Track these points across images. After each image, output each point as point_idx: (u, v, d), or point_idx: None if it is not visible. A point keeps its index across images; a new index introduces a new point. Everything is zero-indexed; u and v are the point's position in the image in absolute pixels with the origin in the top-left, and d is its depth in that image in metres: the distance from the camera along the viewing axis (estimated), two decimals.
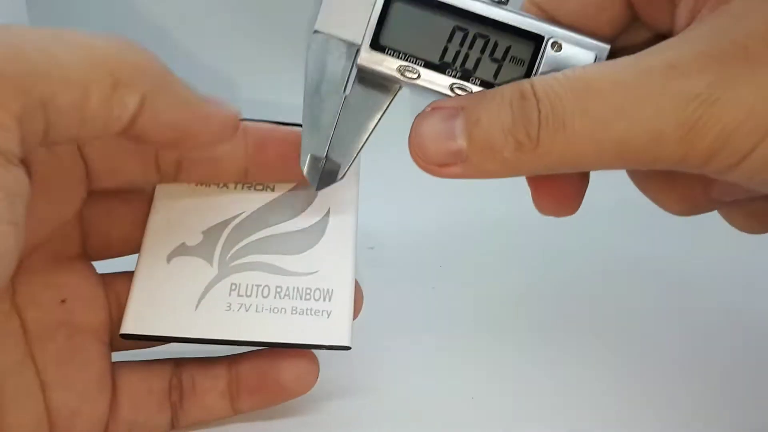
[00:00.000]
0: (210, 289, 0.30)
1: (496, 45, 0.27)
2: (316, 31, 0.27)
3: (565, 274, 0.46)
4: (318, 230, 0.32)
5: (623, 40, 0.29)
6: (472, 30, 0.27)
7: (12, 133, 0.20)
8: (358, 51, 0.27)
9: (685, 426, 0.34)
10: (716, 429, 0.34)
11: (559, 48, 0.27)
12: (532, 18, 0.27)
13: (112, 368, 0.30)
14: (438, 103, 0.27)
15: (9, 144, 0.20)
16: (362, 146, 0.28)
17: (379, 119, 0.28)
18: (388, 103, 0.28)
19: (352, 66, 0.27)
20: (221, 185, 0.32)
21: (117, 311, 0.31)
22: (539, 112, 0.24)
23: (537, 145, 0.24)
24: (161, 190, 0.32)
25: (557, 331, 0.41)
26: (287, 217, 0.32)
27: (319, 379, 0.31)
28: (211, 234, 0.31)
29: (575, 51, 0.27)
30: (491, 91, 0.26)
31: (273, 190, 0.32)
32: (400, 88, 0.28)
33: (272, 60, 0.56)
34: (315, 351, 0.31)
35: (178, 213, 0.31)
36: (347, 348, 0.30)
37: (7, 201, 0.20)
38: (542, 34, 0.27)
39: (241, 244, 0.31)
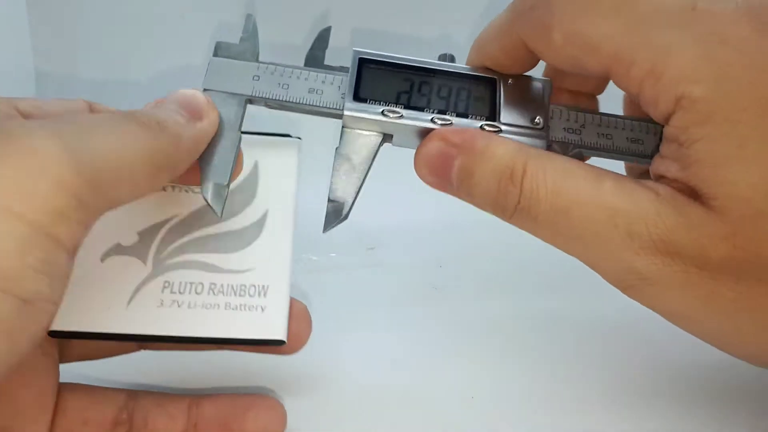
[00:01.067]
0: (142, 287, 0.30)
1: (459, 90, 0.31)
2: (206, 90, 0.31)
3: (565, 274, 0.44)
4: (255, 230, 0.32)
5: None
6: (435, 82, 0.31)
7: (75, 229, 0.23)
8: (248, 100, 0.31)
9: (687, 424, 0.34)
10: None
11: (511, 83, 0.31)
12: (479, 69, 0.32)
13: (59, 388, 0.29)
14: (445, 134, 0.29)
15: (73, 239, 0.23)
16: (360, 187, 0.31)
17: (370, 166, 0.31)
18: (375, 152, 0.31)
19: (243, 112, 0.31)
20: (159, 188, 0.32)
21: None
22: (518, 203, 0.27)
23: (509, 218, 0.28)
24: None
25: (558, 330, 0.41)
26: (224, 218, 0.32)
27: (316, 380, 0.32)
28: (147, 234, 0.31)
29: (525, 80, 0.32)
30: (492, 145, 0.29)
31: None
32: (383, 141, 0.31)
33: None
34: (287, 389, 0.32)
35: (114, 214, 0.30)
36: (282, 342, 0.30)
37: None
38: (493, 77, 0.32)
39: (177, 243, 0.31)
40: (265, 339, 0.30)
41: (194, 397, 0.31)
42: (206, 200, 0.29)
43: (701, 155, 0.25)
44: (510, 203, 0.28)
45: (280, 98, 0.31)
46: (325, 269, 0.42)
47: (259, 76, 0.32)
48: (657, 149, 0.28)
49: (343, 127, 0.31)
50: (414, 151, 0.31)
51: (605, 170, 0.28)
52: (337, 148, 0.31)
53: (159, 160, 0.25)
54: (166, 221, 0.32)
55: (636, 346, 0.40)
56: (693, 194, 0.26)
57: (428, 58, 0.32)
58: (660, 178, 0.27)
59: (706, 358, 0.37)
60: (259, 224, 0.32)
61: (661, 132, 0.28)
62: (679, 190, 0.26)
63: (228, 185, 0.30)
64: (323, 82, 0.32)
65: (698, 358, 0.38)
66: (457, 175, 0.29)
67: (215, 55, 0.32)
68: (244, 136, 0.31)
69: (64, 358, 0.31)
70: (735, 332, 0.27)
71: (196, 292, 0.30)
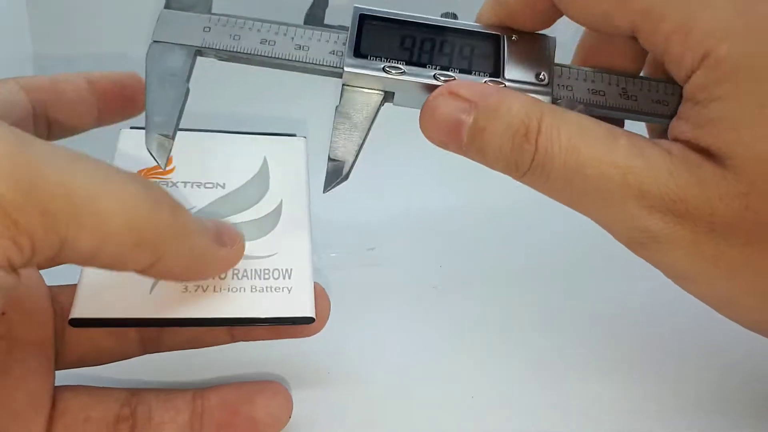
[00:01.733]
0: None
1: (462, 47, 0.31)
2: (155, 41, 0.30)
3: (566, 274, 0.45)
4: (272, 219, 0.33)
5: None
6: (438, 38, 0.31)
7: (23, 254, 0.21)
8: (198, 51, 0.30)
9: (689, 424, 0.34)
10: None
11: (516, 39, 0.31)
12: (483, 26, 0.31)
13: (54, 389, 0.29)
14: (455, 88, 0.28)
15: (16, 259, 0.21)
16: (361, 146, 0.30)
17: (371, 124, 0.30)
18: (376, 110, 0.30)
19: (192, 64, 0.30)
20: (170, 184, 0.33)
21: (61, 325, 0.30)
22: (533, 159, 0.27)
23: (521, 176, 0.28)
24: None
25: (558, 329, 0.41)
26: (240, 209, 0.33)
27: (316, 380, 0.32)
28: None
29: (529, 37, 0.31)
30: (506, 101, 0.28)
31: (223, 187, 0.33)
32: (384, 99, 0.30)
33: None
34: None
35: None
36: (311, 320, 0.29)
37: None
38: (497, 33, 0.31)
39: None
40: (294, 317, 0.29)
41: (198, 389, 0.31)
42: (150, 151, 0.28)
43: (717, 114, 0.25)
44: (524, 161, 0.27)
45: (231, 48, 0.30)
46: (325, 269, 0.42)
47: (209, 28, 0.31)
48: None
49: (343, 84, 0.30)
50: (417, 111, 0.30)
51: (619, 128, 0.27)
52: (336, 107, 0.30)
53: (140, 227, 0.24)
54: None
55: (637, 345, 0.39)
56: (708, 152, 0.26)
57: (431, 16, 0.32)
58: (676, 140, 0.27)
59: (709, 361, 0.38)
60: (276, 213, 0.33)
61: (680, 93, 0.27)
62: (693, 149, 0.26)
63: (173, 137, 0.29)
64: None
65: (714, 354, 0.38)
66: (469, 133, 0.28)
67: (166, 6, 0.31)
68: (251, 136, 0.32)
69: (61, 363, 0.30)
70: (741, 296, 0.27)
71: (220, 278, 0.30)
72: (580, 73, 0.31)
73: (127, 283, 0.29)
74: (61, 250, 0.22)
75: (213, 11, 0.31)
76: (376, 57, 0.30)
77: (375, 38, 0.30)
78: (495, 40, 0.31)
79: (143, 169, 0.33)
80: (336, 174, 0.29)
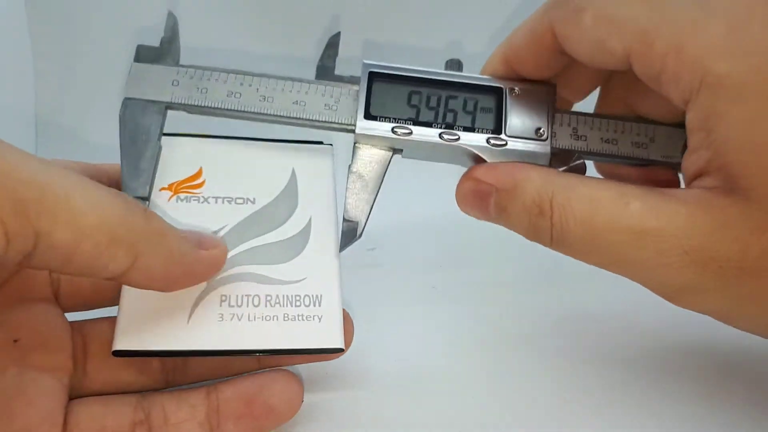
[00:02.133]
0: (200, 302, 0.30)
1: (466, 101, 0.32)
2: (127, 98, 0.31)
3: (567, 274, 0.44)
4: (302, 239, 0.33)
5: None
6: (443, 93, 0.32)
7: None
8: (167, 107, 0.31)
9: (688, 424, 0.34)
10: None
11: (518, 92, 0.32)
12: (486, 77, 0.33)
13: (68, 406, 0.30)
14: (477, 175, 0.31)
15: None
16: (372, 205, 0.32)
17: (381, 181, 0.32)
18: (386, 166, 0.32)
19: (163, 120, 0.31)
20: (201, 200, 0.33)
21: (81, 354, 0.31)
22: (551, 234, 0.29)
23: (548, 245, 0.30)
24: None
25: (559, 331, 0.41)
26: (270, 227, 0.32)
27: (317, 379, 0.33)
28: None
29: (531, 88, 0.32)
30: (520, 183, 0.30)
31: (254, 202, 0.33)
32: (393, 154, 0.32)
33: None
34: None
35: None
36: (341, 350, 0.31)
37: None
38: (500, 86, 0.32)
39: (229, 255, 0.31)
40: (326, 348, 0.30)
41: (210, 385, 0.31)
42: None
43: (736, 139, 0.25)
44: (544, 236, 0.29)
45: (198, 103, 0.31)
46: None
47: (178, 81, 0.31)
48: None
49: (354, 143, 0.32)
50: (425, 162, 0.33)
51: (630, 187, 0.28)
52: (349, 166, 0.32)
53: (114, 226, 0.25)
54: (215, 233, 0.32)
55: (637, 344, 0.39)
56: (729, 187, 0.26)
57: (436, 64, 0.33)
58: (692, 178, 0.28)
59: (708, 359, 0.38)
60: (305, 232, 0.33)
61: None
62: (714, 190, 0.26)
63: (148, 198, 0.30)
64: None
65: (711, 361, 0.38)
66: (494, 211, 0.31)
67: (136, 60, 0.32)
68: (278, 144, 0.32)
69: (82, 391, 0.31)
70: None
71: (254, 305, 0.30)
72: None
73: (165, 314, 0.30)
74: (36, 244, 0.23)
75: (182, 63, 0.32)
76: (386, 118, 0.32)
77: (384, 98, 0.32)
78: (497, 93, 0.32)
79: (173, 182, 0.33)
80: (351, 234, 0.31)
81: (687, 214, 0.26)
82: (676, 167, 0.32)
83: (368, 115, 0.32)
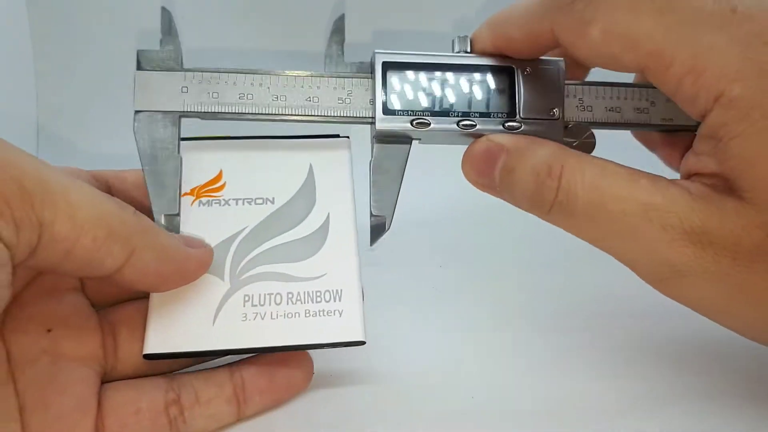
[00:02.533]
0: (225, 303, 0.31)
1: (480, 84, 0.32)
2: (137, 111, 0.31)
3: (566, 273, 0.45)
4: (320, 236, 0.33)
5: None
6: (456, 78, 0.32)
7: (8, 226, 0.24)
8: (182, 115, 0.31)
9: (687, 422, 0.33)
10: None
11: (529, 71, 0.33)
12: (497, 58, 0.33)
13: (100, 391, 0.31)
14: (492, 137, 0.32)
15: (2, 231, 0.24)
16: (397, 197, 0.32)
17: (404, 171, 0.32)
18: (407, 156, 0.33)
19: (179, 130, 0.31)
20: (223, 203, 0.33)
21: (111, 340, 0.32)
22: (556, 196, 0.29)
23: (547, 214, 0.30)
24: None
25: (558, 329, 0.40)
26: (290, 226, 0.33)
27: (322, 380, 0.33)
28: (220, 250, 0.32)
29: (541, 66, 0.33)
30: (534, 146, 0.31)
31: (273, 202, 0.33)
32: (411, 142, 0.33)
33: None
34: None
35: (187, 234, 0.32)
36: (362, 343, 0.31)
37: None
38: (512, 66, 0.33)
39: (250, 256, 0.32)
40: (348, 341, 0.31)
41: (232, 364, 0.33)
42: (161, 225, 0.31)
43: (739, 151, 0.27)
44: (548, 198, 0.29)
45: (211, 109, 0.31)
46: None
47: (186, 87, 0.31)
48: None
49: (373, 137, 0.32)
50: (440, 146, 0.33)
51: (640, 170, 0.29)
52: (370, 162, 0.32)
53: (110, 220, 0.26)
54: (236, 235, 0.33)
55: (637, 344, 0.39)
56: (728, 188, 0.27)
57: (444, 47, 0.33)
58: (693, 176, 0.29)
59: (708, 358, 0.37)
60: (324, 229, 0.33)
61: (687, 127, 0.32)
62: (713, 186, 0.28)
63: (178, 213, 0.31)
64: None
65: (708, 351, 0.38)
66: (500, 173, 0.31)
67: (139, 68, 0.31)
68: (295, 141, 0.33)
69: (116, 374, 0.32)
70: (763, 321, 0.29)
71: (276, 303, 0.31)
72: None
73: (192, 317, 0.31)
74: (41, 236, 0.24)
75: (187, 65, 0.31)
76: (404, 112, 0.32)
77: (400, 89, 0.32)
78: (509, 74, 0.33)
79: (195, 187, 0.33)
80: (380, 229, 0.32)
81: (691, 199, 0.27)
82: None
83: (386, 110, 0.32)
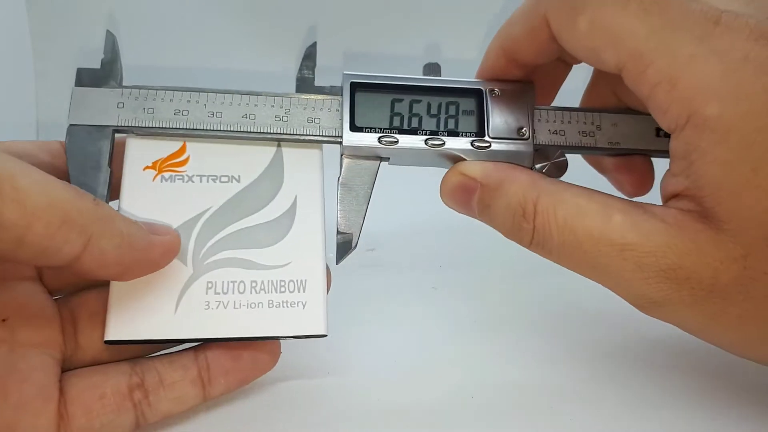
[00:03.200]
0: (187, 289, 0.31)
1: (448, 105, 0.33)
2: (72, 125, 0.31)
3: (566, 274, 0.43)
4: (287, 220, 0.32)
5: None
6: (425, 99, 0.33)
7: None
8: (115, 130, 0.31)
9: (684, 423, 0.33)
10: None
11: (498, 93, 0.33)
12: (466, 80, 0.33)
13: (61, 379, 0.31)
14: (464, 169, 0.32)
15: None
16: (365, 215, 0.32)
17: (372, 190, 0.32)
18: (375, 175, 0.32)
19: (112, 143, 0.31)
20: (186, 178, 0.32)
21: (71, 327, 0.32)
22: (532, 237, 0.30)
23: (527, 248, 0.30)
24: None
25: (557, 330, 0.40)
26: (256, 208, 0.32)
27: (318, 380, 0.34)
28: (182, 231, 0.31)
29: (510, 88, 0.33)
30: (505, 182, 0.31)
31: (238, 180, 0.32)
32: (381, 162, 0.33)
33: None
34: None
35: (147, 212, 0.31)
36: (324, 336, 0.31)
37: None
38: (480, 87, 0.33)
39: (213, 240, 0.31)
40: (310, 334, 0.31)
41: (198, 346, 0.33)
42: None
43: (716, 179, 0.26)
44: (525, 237, 0.30)
45: (145, 124, 0.30)
46: None
47: (123, 103, 0.31)
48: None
49: (341, 155, 0.32)
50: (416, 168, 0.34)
51: (614, 200, 0.29)
52: (338, 178, 0.32)
53: (64, 207, 0.25)
54: (200, 215, 0.32)
55: (637, 343, 0.39)
56: (704, 214, 0.27)
57: (415, 70, 0.34)
58: (672, 198, 0.28)
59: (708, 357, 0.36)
60: (291, 213, 0.32)
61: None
62: (689, 213, 0.27)
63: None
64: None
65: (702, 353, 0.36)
66: (477, 206, 0.32)
67: (78, 84, 0.31)
68: None
69: (76, 362, 0.32)
70: (743, 342, 0.29)
71: (239, 292, 0.31)
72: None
73: (154, 303, 0.30)
74: None
75: (125, 83, 0.31)
76: (371, 129, 0.32)
77: (368, 108, 0.32)
78: (478, 95, 0.33)
79: (157, 160, 0.32)
80: (346, 247, 0.32)
81: (665, 233, 0.27)
82: (652, 154, 0.34)
83: (354, 127, 0.32)
